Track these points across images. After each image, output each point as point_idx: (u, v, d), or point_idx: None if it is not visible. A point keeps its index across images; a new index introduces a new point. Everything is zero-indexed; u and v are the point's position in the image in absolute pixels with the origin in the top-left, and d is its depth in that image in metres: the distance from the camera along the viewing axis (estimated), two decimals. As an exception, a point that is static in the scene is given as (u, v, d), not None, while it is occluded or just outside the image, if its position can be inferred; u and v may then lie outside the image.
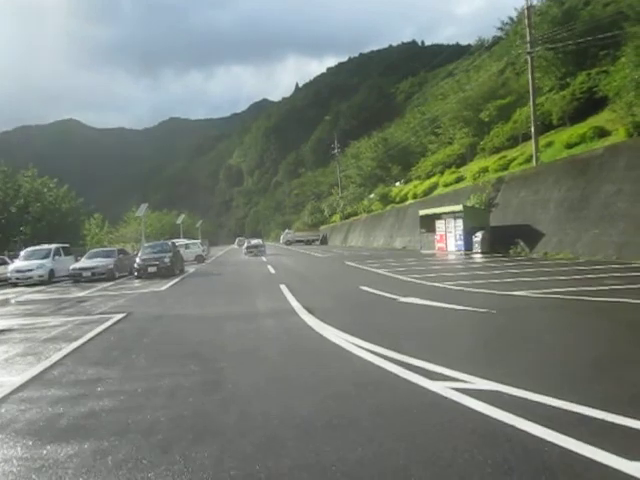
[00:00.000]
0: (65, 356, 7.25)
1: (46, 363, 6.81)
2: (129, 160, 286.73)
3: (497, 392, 4.59)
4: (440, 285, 13.17)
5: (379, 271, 18.67)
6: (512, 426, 3.81)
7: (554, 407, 4.16)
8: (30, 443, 4.07)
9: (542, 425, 3.76)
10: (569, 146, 27.82)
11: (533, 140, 28.17)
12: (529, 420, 3.88)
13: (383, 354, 6.15)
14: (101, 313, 11.80)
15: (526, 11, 29.18)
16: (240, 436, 3.97)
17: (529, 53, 28.74)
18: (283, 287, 14.67)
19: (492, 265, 18.69)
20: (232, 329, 8.82)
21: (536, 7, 36.42)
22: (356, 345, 6.75)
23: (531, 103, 28.75)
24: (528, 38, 28.69)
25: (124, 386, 5.55)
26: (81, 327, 9.86)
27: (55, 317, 11.69)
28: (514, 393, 4.53)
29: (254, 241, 49.31)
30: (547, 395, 4.39)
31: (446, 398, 4.57)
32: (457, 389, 4.75)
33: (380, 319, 9.04)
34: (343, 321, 8.68)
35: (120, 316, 10.96)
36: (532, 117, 28.47)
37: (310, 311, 9.84)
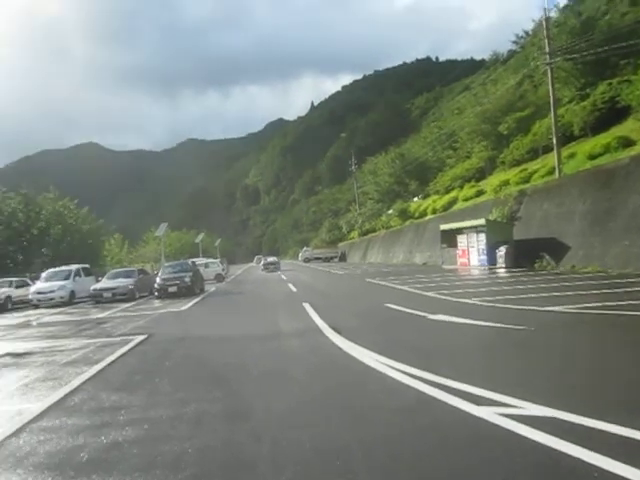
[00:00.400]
0: (86, 381, 6.99)
1: (67, 389, 6.55)
2: (147, 181, 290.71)
3: (553, 419, 4.19)
4: (469, 301, 12.73)
5: (403, 287, 18.25)
6: (579, 459, 3.42)
7: (626, 438, 3.74)
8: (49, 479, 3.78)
9: (618, 459, 3.36)
10: (592, 157, 27.25)
11: (555, 151, 27.65)
12: (599, 453, 3.47)
13: (419, 376, 5.77)
14: (122, 335, 11.57)
15: (544, 22, 28.90)
16: (275, 471, 3.63)
17: (549, 64, 28.33)
18: (306, 305, 14.32)
19: (519, 280, 18.15)
20: (257, 350, 8.51)
21: (554, 18, 36.26)
22: (389, 366, 6.37)
23: (552, 114, 28.28)
24: (547, 49, 28.31)
25: (148, 413, 5.25)
26: (102, 350, 9.62)
27: (76, 339, 11.49)
28: (573, 420, 4.12)
29: (270, 259, 57.62)
30: (613, 423, 3.97)
31: (497, 426, 4.18)
32: (507, 415, 4.36)
33: (411, 338, 8.66)
34: (372, 340, 8.30)
35: (141, 338, 10.71)
36: (554, 128, 27.97)
37: (337, 330, 9.48)
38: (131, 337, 10.89)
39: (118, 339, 10.90)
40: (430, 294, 15.24)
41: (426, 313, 10.87)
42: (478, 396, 4.93)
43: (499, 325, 8.89)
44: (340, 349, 7.79)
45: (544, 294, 13.14)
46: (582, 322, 9.08)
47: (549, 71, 28.39)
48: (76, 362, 8.51)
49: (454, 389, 5.18)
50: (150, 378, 6.92)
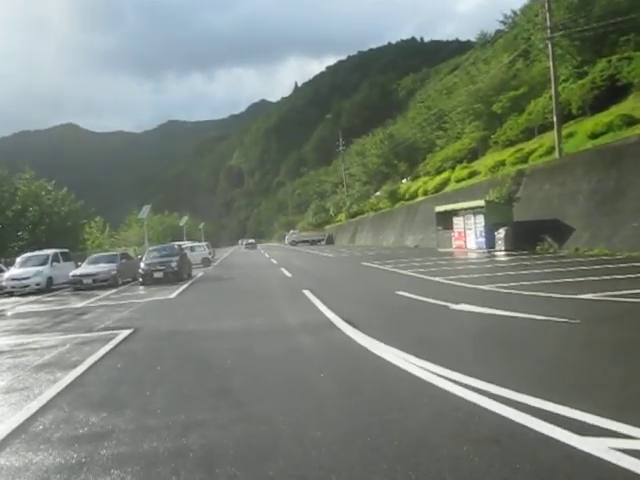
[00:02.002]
0: (60, 393, 5.71)
1: (35, 405, 5.27)
2: (129, 163, 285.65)
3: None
4: (485, 288, 11.64)
5: (405, 272, 17.12)
6: None
7: None
8: None
9: None
10: (594, 136, 26.33)
11: (555, 130, 26.60)
12: None
13: (485, 390, 4.58)
14: (104, 329, 10.24)
15: (546, -5, 27.63)
16: None
17: (549, 38, 27.17)
18: (307, 293, 13.09)
19: (527, 264, 17.16)
20: (263, 350, 7.27)
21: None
22: (438, 375, 5.19)
23: (553, 91, 27.19)
24: (548, 23, 27.13)
25: (139, 445, 4.00)
26: (81, 348, 8.32)
27: (51, 334, 10.14)
28: None
29: (250, 240, 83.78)
30: None
31: (623, 469, 3.04)
32: (628, 451, 3.23)
33: (444, 334, 7.45)
34: (400, 338, 7.13)
35: (127, 332, 9.41)
36: (554, 105, 26.90)
37: (352, 324, 8.28)
38: (115, 332, 9.58)
39: (100, 334, 9.57)
40: (438, 279, 14.13)
41: (446, 302, 9.74)
42: (573, 420, 3.78)
43: (537, 317, 7.77)
44: (366, 350, 6.56)
45: (562, 279, 12.14)
46: (628, 313, 8.04)
47: (549, 46, 27.24)
48: (49, 365, 7.22)
49: (538, 410, 4.01)
50: (139, 390, 5.65)
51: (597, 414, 3.83)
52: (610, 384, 4.74)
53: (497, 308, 8.70)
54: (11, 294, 22.28)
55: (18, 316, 14.42)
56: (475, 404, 4.31)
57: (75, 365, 7.02)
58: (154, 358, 7.26)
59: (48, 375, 6.63)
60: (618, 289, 9.78)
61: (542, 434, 3.63)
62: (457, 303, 9.52)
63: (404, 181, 56.75)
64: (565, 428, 3.65)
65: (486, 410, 4.17)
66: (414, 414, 4.26)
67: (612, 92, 29.75)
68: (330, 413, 4.45)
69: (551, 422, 3.77)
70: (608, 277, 12.12)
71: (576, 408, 3.97)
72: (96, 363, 7.11)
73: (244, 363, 6.57)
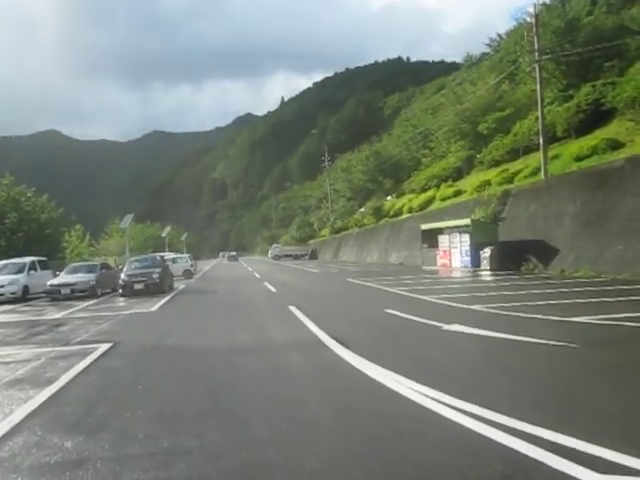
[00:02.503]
0: (32, 413, 5.30)
1: (2, 427, 4.86)
2: (112, 172, 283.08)
3: None
4: (475, 308, 11.44)
5: (393, 290, 16.88)
6: None
7: None
8: None
9: None
10: (579, 158, 26.58)
11: (541, 152, 26.84)
12: None
13: (488, 418, 4.31)
14: (82, 342, 9.76)
15: (534, 18, 28.04)
16: None
17: (537, 61, 27.51)
18: (293, 309, 12.75)
19: (514, 284, 17.05)
20: (250, 368, 6.91)
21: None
22: (435, 400, 4.91)
23: (539, 113, 27.48)
24: (536, 46, 27.48)
25: (119, 478, 3.64)
26: (56, 363, 7.87)
27: (25, 347, 9.64)
28: None
29: (232, 253, 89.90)
30: None
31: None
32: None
33: (440, 356, 7.16)
34: (394, 359, 6.84)
35: (106, 347, 8.97)
36: (540, 127, 27.18)
37: (342, 343, 7.97)
38: (93, 346, 9.12)
39: (77, 348, 9.11)
40: (427, 298, 13.92)
41: (437, 322, 9.49)
42: (590, 456, 3.52)
43: (534, 340, 7.56)
44: (359, 371, 6.25)
45: (553, 300, 12.04)
46: (625, 337, 7.87)
47: (537, 69, 27.57)
48: (22, 381, 6.77)
49: (551, 443, 3.74)
50: (119, 411, 5.27)
51: (616, 449, 3.57)
52: (627, 416, 4.49)
53: (491, 330, 8.48)
54: (-16, 303, 21.51)
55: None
56: (481, 435, 4.03)
57: (50, 382, 6.59)
58: (134, 375, 6.86)
59: (20, 392, 6.19)
60: (613, 312, 9.63)
61: (558, 471, 3.36)
62: (449, 323, 9.28)
63: (389, 198, 56.86)
64: (583, 465, 3.39)
65: (494, 442, 3.89)
66: (415, 445, 3.96)
67: (597, 116, 30.21)
68: (326, 442, 4.13)
69: (567, 457, 3.50)
70: (597, 299, 12.04)
71: (592, 442, 3.71)
72: (72, 380, 6.68)
73: (229, 382, 6.21)
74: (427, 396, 5.10)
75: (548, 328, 8.77)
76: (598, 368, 6.24)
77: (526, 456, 3.60)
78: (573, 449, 3.64)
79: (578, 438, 3.80)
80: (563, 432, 3.92)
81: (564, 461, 3.46)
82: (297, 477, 3.52)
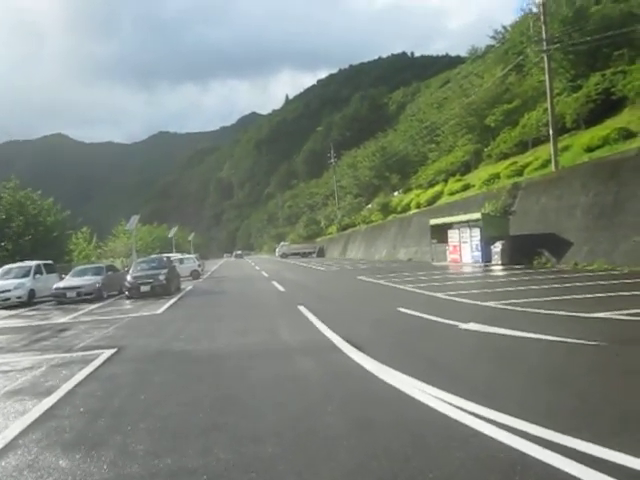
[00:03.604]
0: (28, 427, 4.99)
1: (-3, 444, 4.56)
2: (118, 174, 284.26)
3: None
4: (491, 304, 11.03)
5: (403, 287, 16.50)
6: None
7: None
8: None
9: None
10: (590, 149, 26.05)
11: (551, 143, 26.32)
12: None
13: (518, 429, 3.93)
14: (85, 348, 9.45)
15: (541, 7, 27.46)
16: None
17: (545, 51, 26.96)
18: (303, 309, 12.40)
19: (528, 279, 16.62)
20: (259, 376, 6.55)
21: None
22: (459, 408, 4.55)
23: (549, 103, 26.92)
24: (544, 36, 26.93)
25: (116, 503, 3.32)
26: (58, 371, 7.56)
27: (27, 354, 9.35)
28: None
29: (238, 252, 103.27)
30: None
31: None
32: None
33: (459, 359, 6.75)
34: (410, 362, 6.48)
35: (109, 353, 8.66)
36: (550, 118, 26.62)
37: (356, 345, 7.61)
38: (96, 352, 8.81)
39: (80, 355, 8.80)
40: (439, 295, 13.52)
41: (453, 321, 9.11)
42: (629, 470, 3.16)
43: (556, 338, 7.17)
44: (373, 376, 5.90)
45: (569, 295, 11.59)
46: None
47: (545, 59, 27.03)
48: (21, 392, 6.46)
49: (593, 458, 3.37)
50: (119, 424, 4.93)
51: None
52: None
53: (509, 328, 8.09)
54: (-9, 307, 21.33)
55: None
56: (513, 448, 3.67)
57: (49, 392, 6.28)
58: (138, 384, 6.53)
59: (18, 404, 5.89)
60: (633, 307, 9.20)
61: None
62: (465, 322, 8.90)
63: (396, 194, 56.41)
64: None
65: (528, 456, 3.53)
66: (443, 461, 3.60)
67: (607, 105, 29.64)
68: (343, 459, 3.77)
69: (613, 475, 3.14)
70: (614, 293, 11.60)
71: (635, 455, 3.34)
72: (73, 390, 6.36)
73: (237, 393, 5.85)
74: (449, 403, 4.74)
75: (567, 325, 8.39)
76: (625, 367, 5.85)
77: (565, 473, 3.24)
78: (618, 465, 3.27)
79: (622, 452, 3.43)
80: (605, 445, 3.55)
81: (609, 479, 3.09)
82: (312, 501, 3.18)
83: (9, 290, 21.38)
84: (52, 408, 5.63)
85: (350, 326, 9.77)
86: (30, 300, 21.84)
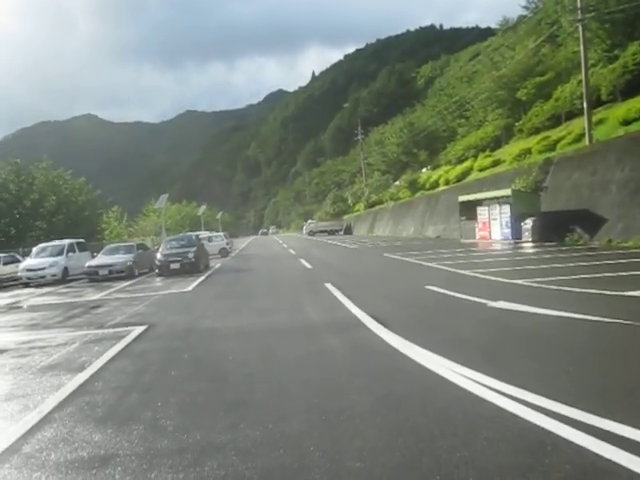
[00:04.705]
0: (62, 402, 5.13)
1: (32, 418, 4.69)
2: (147, 154, 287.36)
3: None
4: (521, 282, 10.84)
5: (431, 265, 16.35)
6: None
7: None
8: None
9: None
10: (626, 122, 25.16)
11: (586, 116, 25.51)
12: None
13: (549, 409, 3.87)
14: (117, 325, 9.67)
15: (577, -27, 26.36)
16: None
17: (580, 20, 25.95)
18: (330, 287, 12.42)
19: (560, 256, 16.28)
20: (286, 352, 6.59)
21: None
22: (487, 387, 4.49)
23: (583, 75, 26.03)
24: (578, 4, 25.90)
25: (146, 477, 3.38)
26: (90, 347, 7.76)
27: (61, 330, 9.61)
28: None
29: (265, 230, 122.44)
30: None
31: None
32: None
33: (487, 337, 6.65)
34: (438, 340, 6.43)
35: (140, 330, 8.84)
36: (585, 90, 25.76)
37: (382, 322, 7.59)
38: (127, 329, 9.01)
39: (112, 331, 9.01)
40: (468, 273, 13.36)
41: (482, 299, 8.99)
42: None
43: (588, 317, 7.01)
44: (401, 354, 5.87)
45: (602, 273, 11.32)
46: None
47: (580, 28, 26.03)
48: (56, 367, 6.65)
49: (627, 440, 3.30)
50: (150, 400, 5.04)
51: None
52: None
53: (540, 306, 7.94)
54: (27, 285, 21.96)
55: (31, 309, 13.95)
56: (544, 429, 3.61)
57: (82, 368, 6.45)
58: (168, 360, 6.65)
59: (52, 379, 6.06)
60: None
61: (638, 474, 2.92)
62: (495, 300, 8.77)
63: (424, 170, 55.66)
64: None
65: (560, 438, 3.46)
66: (471, 441, 3.56)
67: (645, 76, 28.53)
68: (369, 437, 3.77)
69: (647, 459, 3.06)
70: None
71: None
72: (105, 365, 6.52)
73: (266, 368, 5.92)
74: (476, 381, 4.69)
75: (601, 303, 8.20)
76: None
77: (597, 455, 3.17)
78: (653, 448, 3.19)
79: (657, 434, 3.34)
80: (628, 423, 3.47)
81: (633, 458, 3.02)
82: (337, 477, 3.18)
83: (44, 268, 21.96)
84: (85, 383, 5.79)
85: (377, 303, 9.75)
86: (64, 278, 22.42)
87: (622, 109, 26.75)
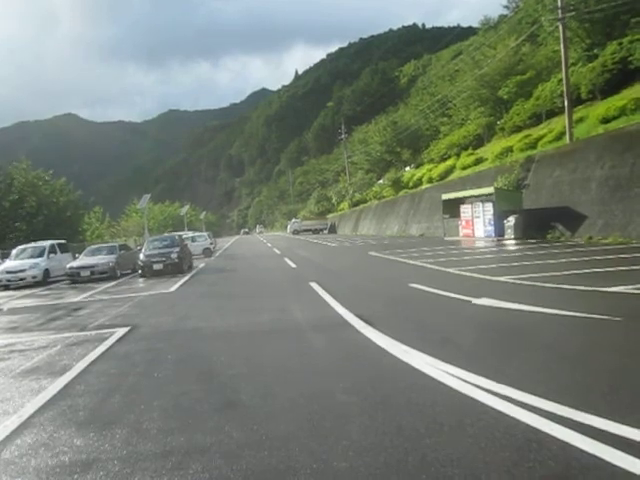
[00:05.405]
0: (43, 406, 5.04)
1: (12, 422, 4.60)
2: (129, 153, 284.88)
3: None
4: (504, 279, 10.92)
5: (415, 263, 16.41)
6: None
7: None
8: None
9: None
10: (606, 120, 25.45)
11: (567, 114, 25.78)
12: None
13: (535, 406, 3.89)
14: (99, 327, 9.54)
15: (556, -27, 26.65)
16: None
17: (560, 20, 26.24)
18: (315, 286, 12.40)
19: (542, 253, 16.42)
20: (272, 353, 6.56)
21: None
22: (473, 385, 4.50)
23: (564, 73, 26.31)
24: (559, 3, 26.18)
25: (129, 481, 3.33)
26: (72, 350, 7.64)
27: (42, 333, 9.45)
28: None
29: (245, 229, 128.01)
30: None
31: None
32: None
33: (472, 335, 6.67)
34: (423, 338, 6.44)
35: (123, 331, 8.73)
36: (565, 89, 26.05)
37: (367, 321, 7.59)
38: (110, 330, 8.89)
39: (94, 333, 8.88)
40: (452, 270, 13.42)
41: (465, 296, 9.04)
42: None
43: (572, 313, 7.08)
44: (386, 352, 5.86)
45: (585, 270, 11.42)
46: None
47: (560, 27, 26.31)
48: (36, 370, 6.53)
49: (612, 436, 3.32)
50: (133, 402, 4.96)
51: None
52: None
53: (524, 303, 8.01)
54: (6, 287, 21.57)
55: (10, 312, 13.68)
56: (528, 425, 3.62)
57: (64, 371, 6.34)
58: (151, 362, 6.56)
59: (33, 382, 5.96)
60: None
61: (621, 468, 2.94)
62: (478, 297, 8.83)
63: (408, 169, 55.89)
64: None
65: (543, 433, 3.48)
66: (458, 440, 3.56)
67: (624, 75, 28.88)
68: (355, 437, 3.75)
69: (629, 452, 3.08)
70: (630, 267, 11.44)
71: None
72: (87, 368, 6.42)
73: (251, 370, 5.87)
74: (461, 379, 4.70)
75: (583, 299, 8.29)
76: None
77: (582, 451, 3.19)
78: (636, 442, 3.22)
79: (635, 427, 3.37)
80: (625, 423, 3.49)
81: (629, 457, 3.04)
82: (323, 478, 3.16)
83: (24, 270, 21.60)
84: (67, 387, 5.69)
85: (362, 302, 9.75)
86: (45, 279, 22.06)
87: (602, 107, 27.06)
